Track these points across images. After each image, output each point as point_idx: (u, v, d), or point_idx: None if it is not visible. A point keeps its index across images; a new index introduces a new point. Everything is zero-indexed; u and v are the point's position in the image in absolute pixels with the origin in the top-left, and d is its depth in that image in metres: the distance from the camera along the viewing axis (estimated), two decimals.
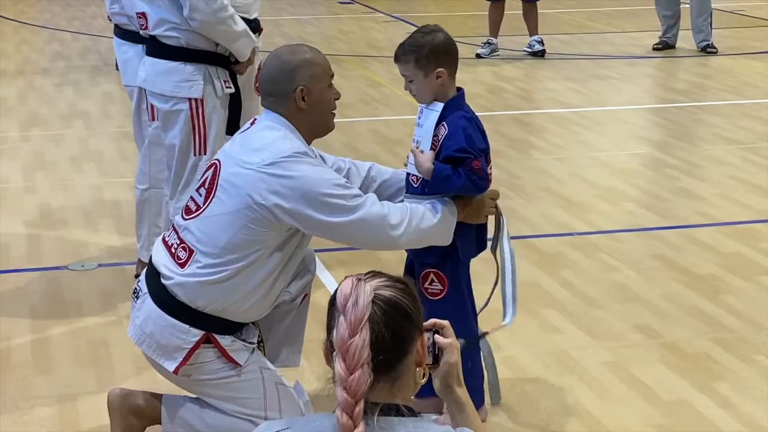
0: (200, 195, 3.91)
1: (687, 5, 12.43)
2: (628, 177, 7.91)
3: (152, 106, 5.46)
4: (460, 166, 4.09)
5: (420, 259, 4.28)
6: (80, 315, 5.48)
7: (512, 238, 6.53)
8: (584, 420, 4.52)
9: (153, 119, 5.55)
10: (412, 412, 2.28)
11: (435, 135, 4.17)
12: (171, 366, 3.80)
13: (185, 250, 3.81)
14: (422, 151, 4.12)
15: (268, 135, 3.86)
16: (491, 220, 4.40)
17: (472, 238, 4.32)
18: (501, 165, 7.86)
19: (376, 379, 2.19)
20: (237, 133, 4.05)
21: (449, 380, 2.47)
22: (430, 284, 4.27)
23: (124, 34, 5.90)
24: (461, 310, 4.35)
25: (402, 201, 4.20)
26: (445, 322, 2.50)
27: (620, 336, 5.30)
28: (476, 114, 4.36)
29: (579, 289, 5.83)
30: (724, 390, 4.74)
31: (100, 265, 6.11)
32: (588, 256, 6.32)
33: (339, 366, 2.16)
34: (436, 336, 2.45)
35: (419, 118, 4.27)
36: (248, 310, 3.87)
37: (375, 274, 2.30)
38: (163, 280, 3.82)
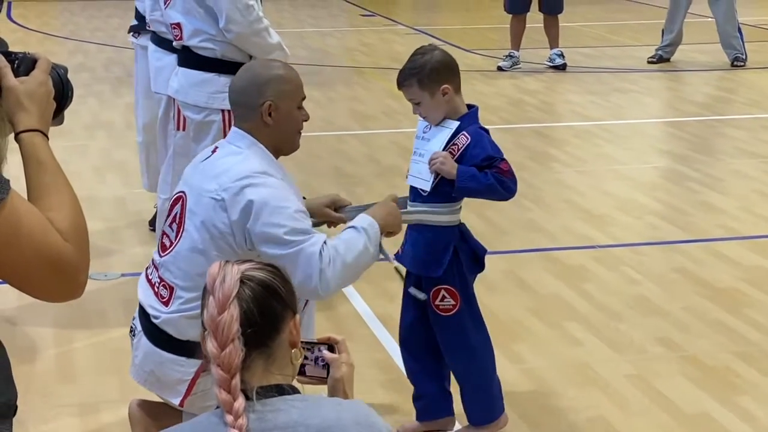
0: (172, 230, 3.84)
1: (702, 19, 12.44)
2: (650, 190, 7.91)
3: (180, 116, 5.47)
4: (486, 169, 4.09)
5: (425, 273, 4.26)
6: (103, 325, 5.51)
7: (534, 250, 6.59)
8: (600, 428, 4.52)
9: (179, 129, 5.55)
10: (296, 391, 2.28)
11: (454, 144, 4.15)
12: (176, 400, 3.79)
13: (166, 288, 3.76)
14: (435, 159, 4.09)
15: (227, 161, 3.78)
16: None
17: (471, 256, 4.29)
18: (522, 177, 7.81)
19: (248, 354, 2.19)
20: (201, 159, 3.94)
21: (336, 393, 2.47)
22: (441, 301, 4.24)
23: (161, 41, 5.95)
24: (477, 321, 4.35)
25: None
26: (340, 338, 2.51)
27: (642, 349, 5.28)
28: (495, 127, 4.35)
29: (600, 302, 5.82)
30: (746, 403, 4.73)
31: (122, 275, 6.14)
32: (609, 268, 6.30)
33: (210, 344, 2.18)
34: (324, 351, 2.46)
35: (424, 132, 4.25)
36: None
37: (245, 260, 2.32)
38: (152, 319, 3.80)
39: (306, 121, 3.94)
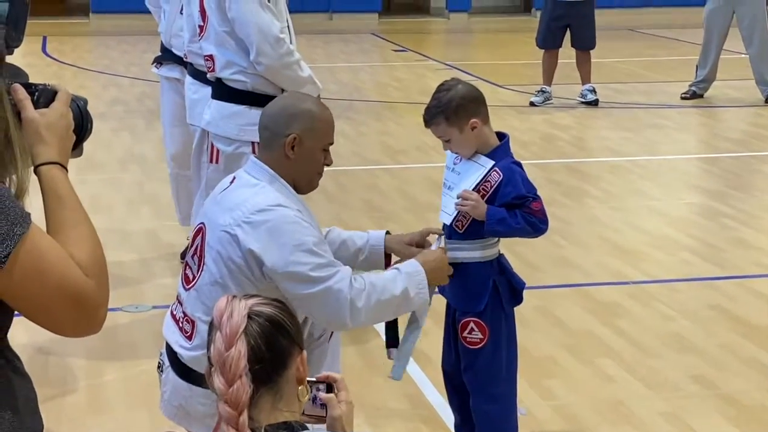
0: (194, 263, 3.82)
1: (736, 56, 12.43)
2: (683, 226, 7.87)
3: (213, 149, 5.49)
4: (517, 209, 4.06)
5: (462, 307, 4.23)
6: (134, 357, 5.51)
7: (566, 286, 6.56)
8: None
9: (211, 161, 5.57)
10: (305, 428, 2.27)
11: (486, 181, 4.13)
12: None
13: (189, 323, 3.73)
14: (465, 198, 4.05)
15: (242, 193, 3.73)
16: None
17: (508, 289, 4.24)
18: (555, 213, 7.83)
19: (257, 390, 2.18)
20: (219, 191, 3.91)
21: (349, 425, 2.45)
22: (469, 333, 4.19)
23: (197, 74, 5.98)
24: (500, 358, 4.24)
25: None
26: (338, 376, 2.49)
27: (676, 386, 5.25)
28: (527, 162, 4.33)
29: (634, 339, 5.78)
30: None
31: (154, 307, 6.14)
32: (643, 305, 6.27)
33: (218, 380, 2.17)
34: (321, 391, 2.43)
35: (455, 164, 4.22)
36: None
37: (252, 295, 2.31)
38: (178, 356, 3.80)
39: (328, 165, 3.86)
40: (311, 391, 2.39)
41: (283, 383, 2.25)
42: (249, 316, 2.21)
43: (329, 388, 2.44)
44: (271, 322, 2.24)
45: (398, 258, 4.09)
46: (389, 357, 4.18)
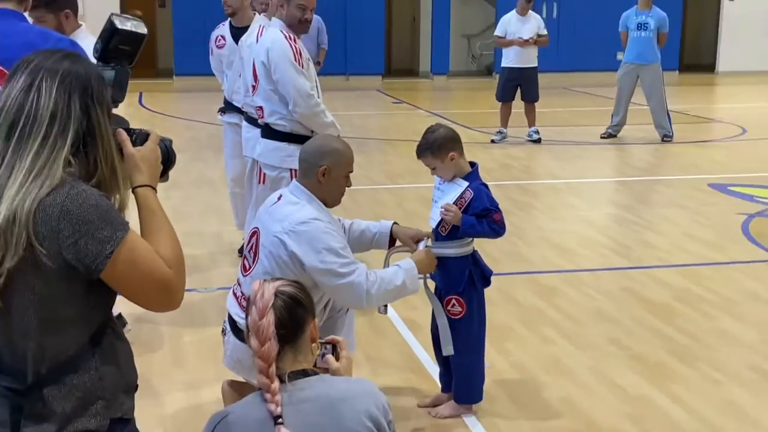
0: (250, 256, 3.85)
1: (641, 107, 12.44)
2: (603, 230, 7.86)
3: (261, 173, 5.49)
4: (483, 218, 4.09)
5: (446, 289, 4.23)
6: (204, 325, 5.50)
7: (519, 273, 6.55)
8: (570, 409, 4.46)
9: (260, 182, 5.57)
10: (315, 373, 2.29)
11: (462, 197, 4.13)
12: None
13: (245, 300, 3.73)
14: (446, 210, 4.07)
15: (287, 209, 3.74)
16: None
17: (480, 276, 4.24)
18: (511, 221, 7.76)
19: (281, 348, 2.20)
20: (270, 204, 3.90)
21: (348, 372, 2.43)
22: (452, 307, 4.20)
23: (250, 119, 6.05)
24: (473, 326, 4.26)
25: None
26: (341, 339, 2.47)
27: (599, 347, 5.23)
28: (490, 183, 4.35)
29: (568, 312, 5.77)
30: (677, 390, 4.67)
31: (218, 288, 6.13)
32: (574, 288, 6.25)
33: (253, 342, 2.19)
34: (327, 351, 2.41)
35: (440, 185, 4.23)
36: None
37: (277, 279, 2.33)
38: (236, 324, 3.79)
39: (349, 187, 3.90)
40: (321, 349, 2.38)
41: (300, 342, 2.26)
42: (276, 294, 2.22)
43: (334, 349, 2.42)
44: (292, 298, 2.25)
45: (400, 243, 4.18)
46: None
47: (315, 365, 2.32)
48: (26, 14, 3.81)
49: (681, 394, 4.62)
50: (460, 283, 4.15)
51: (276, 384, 2.17)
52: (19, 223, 1.94)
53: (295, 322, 2.24)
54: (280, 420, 2.13)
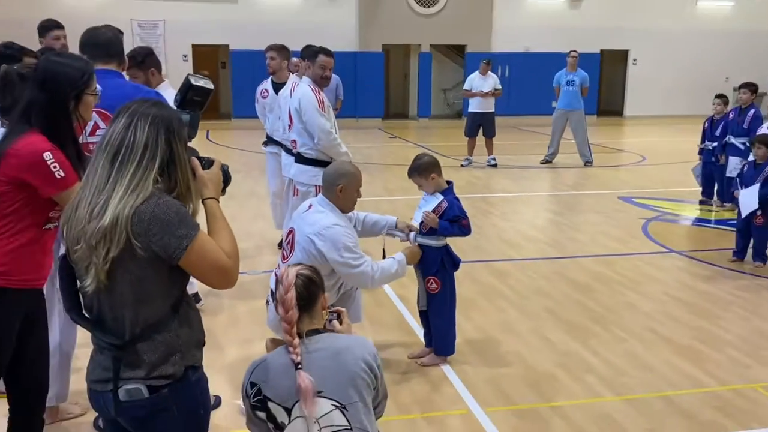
0: (287, 249, 3.84)
1: (570, 141, 12.43)
2: (542, 230, 7.83)
3: (295, 188, 5.49)
4: (455, 223, 4.08)
5: (425, 271, 4.23)
6: (252, 298, 5.48)
7: (480, 261, 6.50)
8: (518, 359, 4.45)
9: (294, 195, 5.56)
10: (326, 332, 2.30)
11: (440, 206, 4.14)
12: None
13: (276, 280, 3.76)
14: (427, 215, 4.10)
15: (315, 216, 3.76)
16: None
17: (451, 262, 4.25)
18: (475, 223, 7.75)
19: (300, 314, 2.22)
20: (302, 211, 3.90)
21: (348, 332, 2.40)
22: (430, 285, 4.21)
23: (287, 150, 6.00)
24: (451, 299, 4.28)
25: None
26: (343, 310, 2.46)
27: (537, 315, 5.23)
28: (460, 196, 4.35)
29: (515, 289, 5.76)
30: (594, 344, 4.66)
31: (263, 272, 6.11)
32: (520, 271, 6.25)
33: (280, 310, 2.21)
34: (333, 319, 2.40)
35: (425, 199, 4.25)
36: (328, 298, 3.80)
37: (298, 264, 2.34)
38: None
39: (360, 198, 3.92)
40: (329, 315, 2.39)
41: (314, 310, 2.27)
42: (297, 276, 2.23)
43: (338, 316, 2.42)
44: (309, 279, 2.26)
45: (397, 229, 4.22)
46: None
47: (324, 327, 2.33)
48: (123, 73, 3.81)
49: (597, 348, 4.62)
50: (435, 266, 4.16)
51: (297, 340, 2.18)
52: (120, 224, 1.96)
53: (310, 296, 2.25)
54: (300, 366, 2.15)
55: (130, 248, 1.97)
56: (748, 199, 6.37)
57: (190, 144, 2.24)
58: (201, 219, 2.17)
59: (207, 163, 2.26)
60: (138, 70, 4.55)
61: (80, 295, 2.11)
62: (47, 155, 2.57)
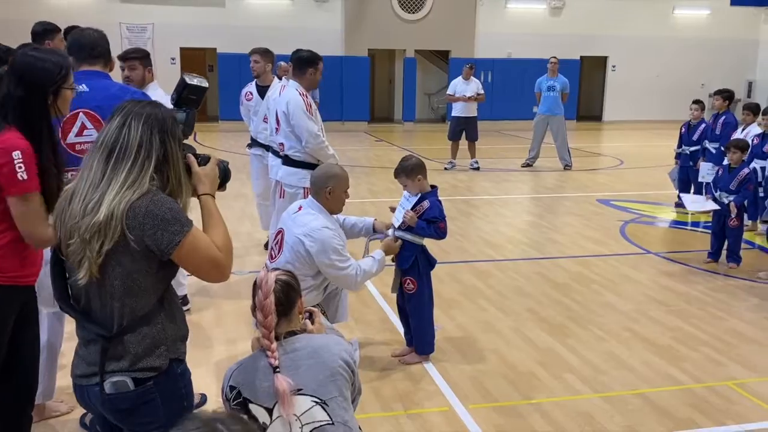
0: (276, 249, 3.82)
1: (550, 145, 12.50)
2: (522, 231, 7.86)
3: (281, 190, 5.47)
4: (432, 224, 4.09)
5: (403, 272, 4.25)
6: (239, 297, 5.47)
7: (462, 262, 6.50)
8: (498, 357, 4.46)
9: (280, 197, 5.54)
10: (302, 332, 2.30)
11: (420, 206, 4.15)
12: None
13: (254, 285, 3.73)
14: (406, 213, 4.12)
15: (306, 218, 3.76)
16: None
17: (426, 262, 4.27)
18: (457, 224, 7.84)
19: (279, 319, 2.22)
20: (292, 212, 3.90)
21: (320, 332, 2.41)
22: (407, 285, 4.22)
23: (274, 152, 5.97)
24: (428, 298, 4.28)
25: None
26: (315, 310, 2.46)
27: (517, 313, 5.24)
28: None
29: (496, 289, 5.77)
30: (572, 343, 4.68)
31: (250, 272, 6.09)
32: (502, 272, 6.26)
33: (259, 315, 2.20)
34: (306, 321, 2.40)
35: (407, 198, 4.25)
36: (315, 298, 3.81)
37: (276, 269, 2.33)
38: None
39: (347, 198, 3.92)
40: (305, 316, 2.39)
41: (291, 314, 2.29)
42: (276, 281, 2.23)
43: (311, 316, 2.42)
44: (287, 284, 2.27)
45: (378, 232, 4.23)
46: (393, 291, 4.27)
47: (300, 329, 2.33)
48: (110, 74, 3.77)
49: (576, 346, 4.64)
50: (409, 262, 4.17)
51: (274, 345, 2.18)
52: (115, 218, 1.98)
53: (289, 301, 2.26)
54: (277, 369, 2.15)
55: (124, 241, 1.99)
56: (699, 202, 6.53)
57: (186, 141, 2.25)
58: (197, 217, 2.16)
59: (203, 159, 2.27)
60: (140, 64, 4.63)
61: (69, 286, 2.11)
62: (16, 154, 2.49)
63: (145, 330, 2.04)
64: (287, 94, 5.26)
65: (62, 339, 3.62)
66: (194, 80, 2.56)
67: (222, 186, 2.33)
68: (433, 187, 4.26)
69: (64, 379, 3.66)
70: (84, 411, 3.45)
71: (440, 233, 4.14)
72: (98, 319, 2.06)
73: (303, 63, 5.20)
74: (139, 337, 2.04)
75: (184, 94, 2.55)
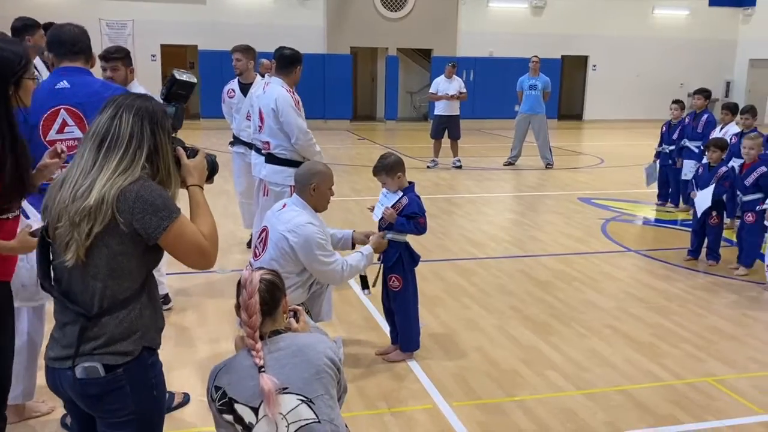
0: (260, 246, 3.81)
1: (531, 144, 12.55)
2: (505, 229, 7.89)
3: (266, 188, 5.44)
4: (411, 220, 4.10)
5: (388, 269, 4.25)
6: (221, 296, 5.44)
7: (445, 260, 6.52)
8: (482, 355, 4.47)
9: (264, 195, 5.51)
10: (286, 331, 2.30)
11: (399, 202, 4.16)
12: None
13: (238, 284, 3.72)
14: (386, 210, 4.14)
15: (290, 214, 3.76)
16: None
17: (410, 259, 4.27)
18: (438, 222, 7.85)
19: (263, 318, 2.22)
20: (276, 210, 3.88)
21: (305, 330, 2.41)
22: (392, 282, 4.23)
23: (257, 150, 5.94)
24: (413, 296, 4.29)
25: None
26: (299, 308, 2.47)
27: (500, 311, 5.26)
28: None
29: (479, 287, 5.79)
30: (555, 341, 4.70)
31: (232, 270, 6.05)
32: (485, 270, 6.28)
33: (243, 315, 2.21)
34: (291, 320, 2.40)
35: (385, 195, 4.26)
36: (300, 296, 3.80)
37: (260, 268, 2.33)
38: None
39: (332, 196, 3.91)
40: (289, 315, 2.38)
41: (276, 313, 2.28)
42: (261, 281, 2.23)
43: (295, 314, 2.42)
44: (272, 284, 2.27)
45: (359, 243, 4.17)
46: (364, 292, 4.21)
47: (284, 327, 2.32)
48: (91, 70, 3.72)
49: (558, 343, 4.66)
50: (393, 258, 4.18)
51: (259, 344, 2.18)
52: (106, 203, 2.02)
53: (273, 301, 2.26)
54: (262, 369, 2.15)
55: (114, 223, 2.03)
56: (703, 199, 6.52)
57: (175, 135, 2.26)
58: (185, 209, 2.16)
59: (192, 152, 2.31)
60: (122, 64, 4.60)
61: (53, 268, 2.14)
62: None
63: (123, 314, 2.08)
64: (273, 91, 5.23)
65: (42, 338, 3.57)
66: (183, 76, 2.62)
67: (210, 178, 2.37)
68: (411, 183, 4.26)
69: (44, 379, 3.62)
70: (65, 412, 3.40)
71: (420, 228, 4.15)
72: (79, 302, 2.09)
73: (289, 61, 5.19)
74: (117, 320, 2.07)
75: (173, 90, 2.61)
